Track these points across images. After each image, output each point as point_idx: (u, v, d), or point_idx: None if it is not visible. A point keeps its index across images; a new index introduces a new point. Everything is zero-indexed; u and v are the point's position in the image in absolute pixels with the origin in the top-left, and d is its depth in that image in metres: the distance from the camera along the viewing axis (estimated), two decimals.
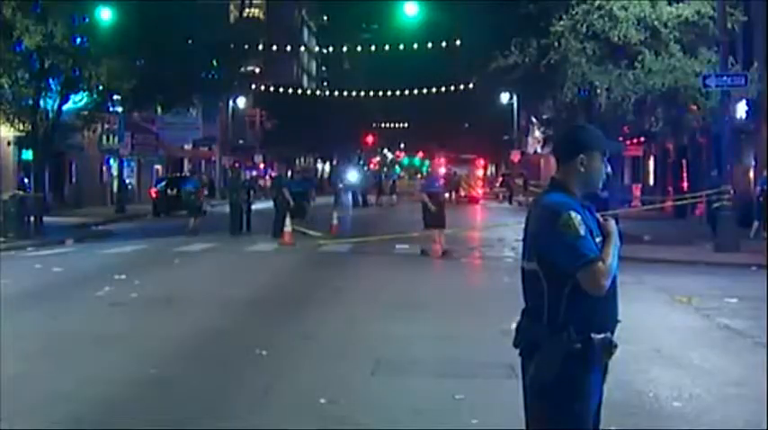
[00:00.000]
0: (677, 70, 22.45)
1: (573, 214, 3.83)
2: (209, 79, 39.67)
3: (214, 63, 38.97)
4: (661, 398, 7.74)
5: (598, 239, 3.92)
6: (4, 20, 24.22)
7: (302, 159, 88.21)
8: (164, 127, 50.09)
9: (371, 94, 79.31)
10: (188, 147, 57.83)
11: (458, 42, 46.61)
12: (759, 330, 10.73)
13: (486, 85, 42.57)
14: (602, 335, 3.86)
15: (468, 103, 62.89)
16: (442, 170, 23.18)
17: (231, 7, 63.88)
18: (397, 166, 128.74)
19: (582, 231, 3.82)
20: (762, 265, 17.25)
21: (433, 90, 70.24)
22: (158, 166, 54.02)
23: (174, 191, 40.34)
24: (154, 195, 41.38)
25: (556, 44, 23.09)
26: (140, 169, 51.93)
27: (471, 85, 50.84)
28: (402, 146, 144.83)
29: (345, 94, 77.67)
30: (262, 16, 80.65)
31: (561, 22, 22.84)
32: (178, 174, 50.28)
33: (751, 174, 27.77)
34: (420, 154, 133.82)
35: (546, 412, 3.95)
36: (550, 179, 4.15)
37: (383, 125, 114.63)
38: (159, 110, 47.55)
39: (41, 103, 26.82)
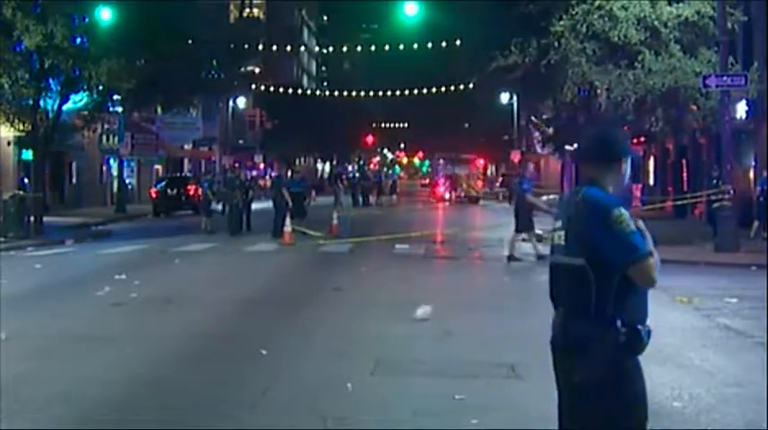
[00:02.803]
0: (677, 70, 22.45)
1: (623, 210, 3.93)
2: (209, 79, 39.70)
3: (214, 63, 39.00)
4: (661, 398, 7.73)
5: None
6: (4, 20, 24.20)
7: (302, 159, 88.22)
8: (164, 127, 50.09)
9: (371, 93, 79.34)
10: (188, 147, 57.85)
11: (458, 42, 46.64)
12: (759, 330, 10.74)
13: (486, 85, 42.59)
14: (644, 327, 3.95)
15: (468, 103, 62.86)
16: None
17: (231, 7, 64.00)
18: (397, 166, 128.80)
19: (633, 226, 3.91)
20: (762, 265, 17.25)
21: (433, 90, 70.22)
22: (158, 166, 54.02)
23: (175, 191, 40.39)
24: (154, 195, 41.39)
25: (556, 44, 23.10)
26: (140, 169, 51.93)
27: (471, 85, 50.83)
28: (402, 146, 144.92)
29: (345, 94, 77.69)
30: (262, 16, 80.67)
31: (561, 22, 22.85)
32: (178, 174, 50.29)
33: (751, 174, 27.76)
34: (420, 154, 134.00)
35: (601, 408, 3.92)
36: (583, 178, 4.20)
37: (383, 125, 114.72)
38: (159, 110, 47.59)
39: (41, 103, 26.80)
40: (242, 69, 49.22)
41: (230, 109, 63.61)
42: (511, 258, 19.46)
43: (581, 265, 3.92)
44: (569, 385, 4.00)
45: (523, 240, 25.25)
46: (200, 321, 11.66)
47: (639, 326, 3.91)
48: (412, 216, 39.33)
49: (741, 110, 26.96)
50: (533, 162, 66.92)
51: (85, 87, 27.36)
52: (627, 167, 4.19)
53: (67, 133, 30.57)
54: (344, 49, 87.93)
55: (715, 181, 23.00)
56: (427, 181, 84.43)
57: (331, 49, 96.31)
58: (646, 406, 3.98)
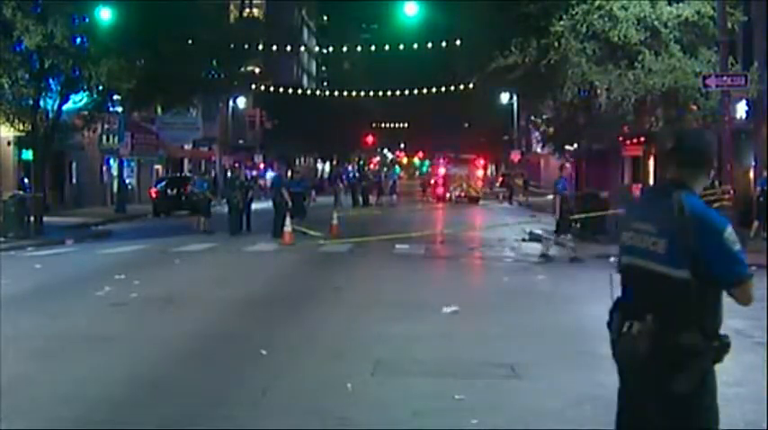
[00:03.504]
0: (677, 70, 22.46)
1: (731, 227, 3.95)
2: (209, 79, 39.67)
3: (214, 63, 38.98)
4: None
5: None
6: (4, 20, 24.21)
7: (302, 159, 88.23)
8: (164, 127, 50.09)
9: (371, 93, 79.35)
10: (188, 147, 57.83)
11: (458, 42, 46.63)
12: (759, 330, 10.72)
13: (486, 85, 42.59)
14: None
15: (468, 103, 62.93)
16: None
17: (231, 7, 63.86)
18: (397, 166, 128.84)
19: (739, 244, 3.95)
20: (762, 265, 17.23)
21: (433, 90, 70.25)
22: (158, 166, 54.02)
23: (175, 191, 40.37)
24: (154, 195, 41.37)
25: (556, 44, 23.11)
26: (140, 169, 51.93)
27: (471, 85, 50.88)
28: (402, 146, 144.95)
29: (345, 93, 77.70)
30: (262, 16, 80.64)
31: (561, 22, 22.87)
32: (178, 174, 50.28)
33: (751, 174, 27.76)
34: (420, 154, 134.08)
35: (692, 417, 3.97)
36: (672, 179, 4.15)
37: (383, 125, 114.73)
38: (159, 110, 47.58)
39: (41, 103, 26.81)
40: (242, 69, 49.14)
41: (230, 109, 63.60)
42: (574, 259, 19.37)
43: (686, 279, 3.89)
44: (655, 395, 3.98)
45: (523, 240, 25.26)
46: (200, 321, 11.66)
47: (725, 335, 3.98)
48: (412, 216, 39.32)
49: (741, 110, 26.96)
50: (534, 162, 67.12)
51: (85, 87, 27.37)
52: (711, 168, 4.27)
53: (67, 133, 30.58)
54: (344, 49, 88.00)
55: (710, 181, 22.95)
56: (422, 181, 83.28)
57: (331, 49, 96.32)
58: (718, 412, 4.05)
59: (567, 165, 22.12)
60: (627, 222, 4.22)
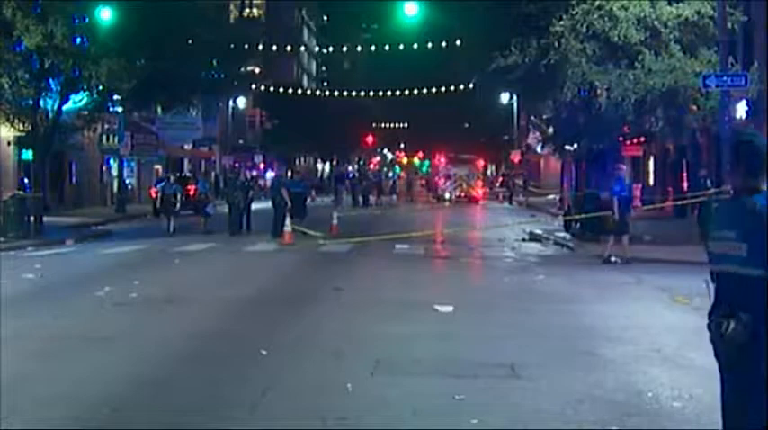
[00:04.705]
0: (677, 70, 22.47)
1: None
2: (209, 79, 39.68)
3: (214, 63, 39.00)
4: (661, 398, 7.74)
5: None
6: (4, 20, 24.23)
7: (302, 159, 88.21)
8: (164, 127, 50.06)
9: (371, 93, 79.31)
10: (188, 147, 57.84)
11: (458, 42, 46.63)
12: None
13: (486, 85, 42.59)
14: None
15: (468, 103, 62.92)
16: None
17: (231, 7, 63.90)
18: (397, 166, 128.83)
19: None
20: None
21: (433, 90, 70.22)
22: (158, 166, 54.02)
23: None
24: (154, 195, 41.32)
25: (556, 44, 23.11)
26: (140, 169, 51.91)
27: (471, 85, 50.88)
28: (402, 146, 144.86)
29: (345, 94, 77.67)
30: (262, 16, 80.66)
31: (561, 22, 22.87)
32: (179, 174, 50.24)
33: None
34: (420, 154, 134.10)
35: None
36: (741, 187, 4.32)
37: (383, 125, 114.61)
38: (159, 110, 47.59)
39: (41, 103, 26.84)
40: (242, 69, 49.15)
41: (230, 109, 63.59)
42: (628, 261, 18.99)
43: (761, 276, 4.12)
44: (754, 380, 4.25)
45: (523, 240, 25.26)
46: (200, 321, 11.66)
47: None
48: (412, 216, 39.34)
49: (741, 110, 26.96)
50: (534, 162, 67.09)
51: (85, 87, 27.39)
52: None
53: (67, 133, 30.57)
54: (344, 49, 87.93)
55: (703, 180, 23.03)
56: (407, 179, 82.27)
57: (331, 49, 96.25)
58: None
59: (623, 165, 21.90)
60: (712, 232, 4.43)
